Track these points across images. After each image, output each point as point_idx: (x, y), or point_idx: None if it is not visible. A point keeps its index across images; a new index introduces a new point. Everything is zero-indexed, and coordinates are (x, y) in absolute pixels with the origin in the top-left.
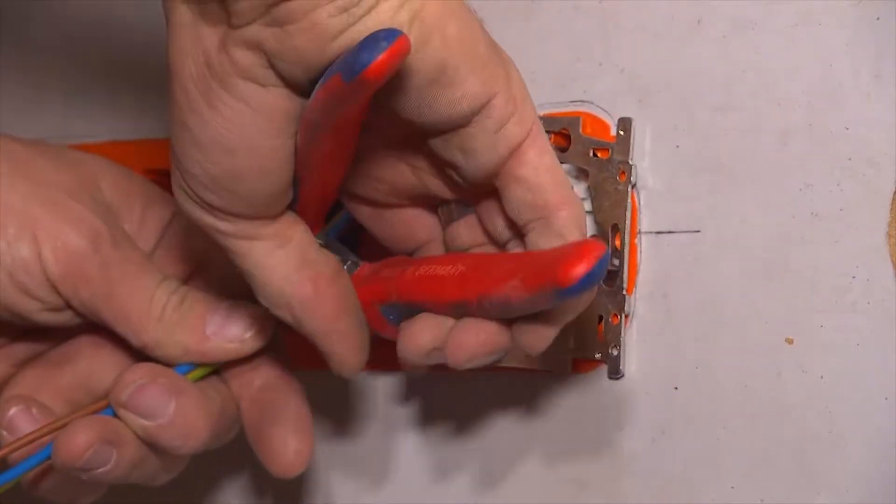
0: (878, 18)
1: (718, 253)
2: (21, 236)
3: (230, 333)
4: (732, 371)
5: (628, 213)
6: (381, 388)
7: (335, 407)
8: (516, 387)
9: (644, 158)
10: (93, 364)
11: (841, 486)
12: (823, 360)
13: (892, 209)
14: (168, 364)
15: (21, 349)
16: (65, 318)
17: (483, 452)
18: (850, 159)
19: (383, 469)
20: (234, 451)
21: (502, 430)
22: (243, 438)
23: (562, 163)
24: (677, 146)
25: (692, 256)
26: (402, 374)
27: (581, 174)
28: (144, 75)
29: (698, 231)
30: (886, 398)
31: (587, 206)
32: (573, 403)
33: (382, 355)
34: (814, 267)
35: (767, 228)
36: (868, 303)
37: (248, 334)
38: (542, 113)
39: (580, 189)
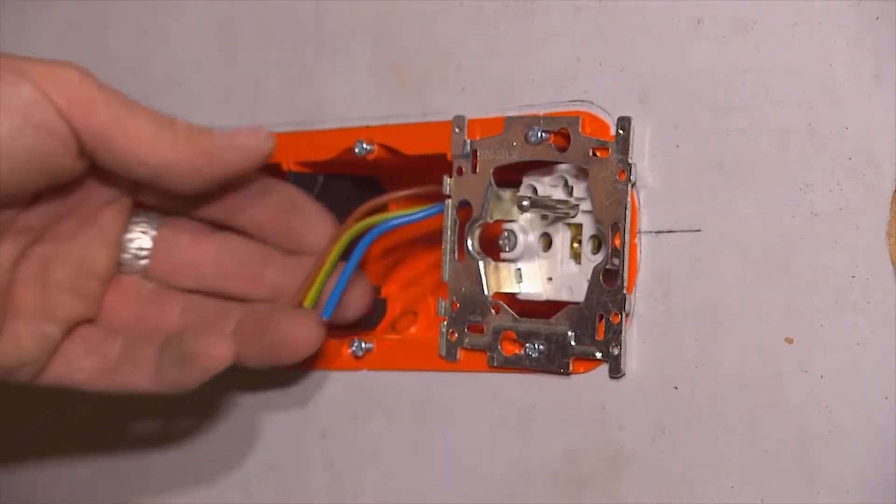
0: (877, 18)
1: (718, 252)
2: (19, 82)
3: (241, 138)
4: (732, 371)
5: (628, 212)
6: (380, 386)
7: (333, 406)
8: (516, 386)
9: (644, 158)
10: (88, 241)
11: (841, 486)
12: (823, 359)
13: (892, 209)
14: (187, 181)
15: (30, 219)
16: (80, 165)
17: (482, 451)
18: (849, 159)
19: (383, 468)
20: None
21: (502, 429)
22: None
23: (561, 162)
24: (677, 146)
25: (692, 256)
26: (402, 372)
27: (581, 173)
28: (146, 74)
29: (698, 231)
30: (886, 398)
31: (587, 205)
32: (573, 403)
33: (386, 354)
34: (814, 267)
35: (767, 228)
36: (868, 303)
37: (261, 135)
38: (542, 113)
39: (580, 189)
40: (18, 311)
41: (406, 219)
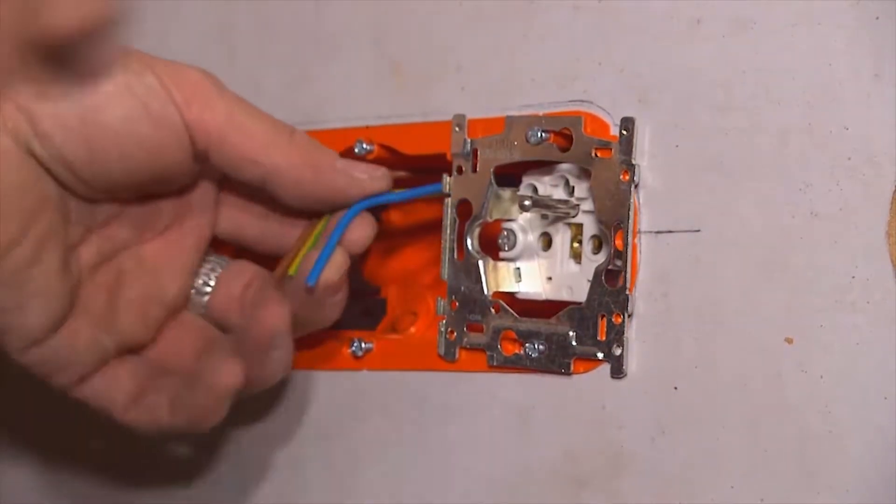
0: (877, 18)
1: (718, 252)
2: (144, 71)
3: (358, 170)
4: (732, 371)
5: (631, 213)
6: (380, 386)
7: (333, 406)
8: (516, 385)
9: (644, 158)
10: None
11: (841, 486)
12: (823, 359)
13: (891, 209)
14: (292, 189)
15: (119, 230)
16: (188, 167)
17: (482, 451)
18: (849, 159)
19: (383, 468)
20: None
21: (502, 429)
22: (233, 442)
23: (563, 162)
24: (677, 146)
25: (692, 256)
26: (402, 372)
27: (583, 174)
28: None
29: (698, 231)
30: (886, 398)
31: (588, 205)
32: (573, 403)
33: (386, 354)
34: (813, 266)
35: (767, 228)
36: (868, 303)
37: (378, 172)
38: (542, 113)
39: (582, 188)
40: (83, 312)
41: (396, 196)
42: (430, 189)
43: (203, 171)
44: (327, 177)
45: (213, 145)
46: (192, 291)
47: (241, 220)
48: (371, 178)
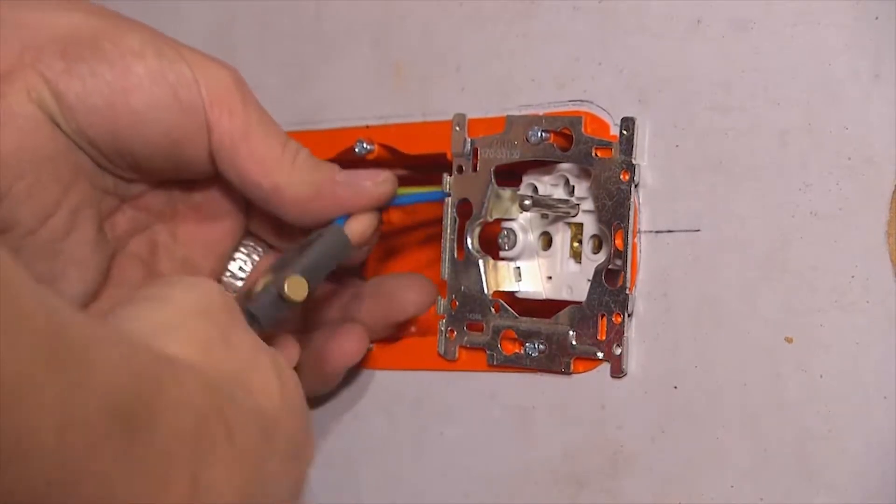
0: (876, 18)
1: (718, 252)
2: (177, 59)
3: (360, 178)
4: (732, 370)
5: (631, 213)
6: (380, 385)
7: (333, 406)
8: (517, 385)
9: (643, 158)
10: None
11: (841, 486)
12: (823, 359)
13: (891, 209)
14: (294, 209)
15: (153, 200)
16: (205, 165)
17: (482, 451)
18: (849, 159)
19: (383, 467)
20: None
21: (501, 428)
22: None
23: (563, 162)
24: (676, 146)
25: (691, 256)
26: (402, 372)
27: (583, 174)
28: None
29: (698, 230)
30: (886, 397)
31: (588, 205)
32: (573, 402)
33: (386, 354)
34: (813, 266)
35: (767, 228)
36: (868, 302)
37: (381, 177)
38: (542, 112)
39: (582, 188)
40: (121, 283)
41: (399, 200)
42: (428, 196)
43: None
44: (328, 192)
45: (223, 153)
46: (227, 275)
47: (270, 220)
48: (375, 184)
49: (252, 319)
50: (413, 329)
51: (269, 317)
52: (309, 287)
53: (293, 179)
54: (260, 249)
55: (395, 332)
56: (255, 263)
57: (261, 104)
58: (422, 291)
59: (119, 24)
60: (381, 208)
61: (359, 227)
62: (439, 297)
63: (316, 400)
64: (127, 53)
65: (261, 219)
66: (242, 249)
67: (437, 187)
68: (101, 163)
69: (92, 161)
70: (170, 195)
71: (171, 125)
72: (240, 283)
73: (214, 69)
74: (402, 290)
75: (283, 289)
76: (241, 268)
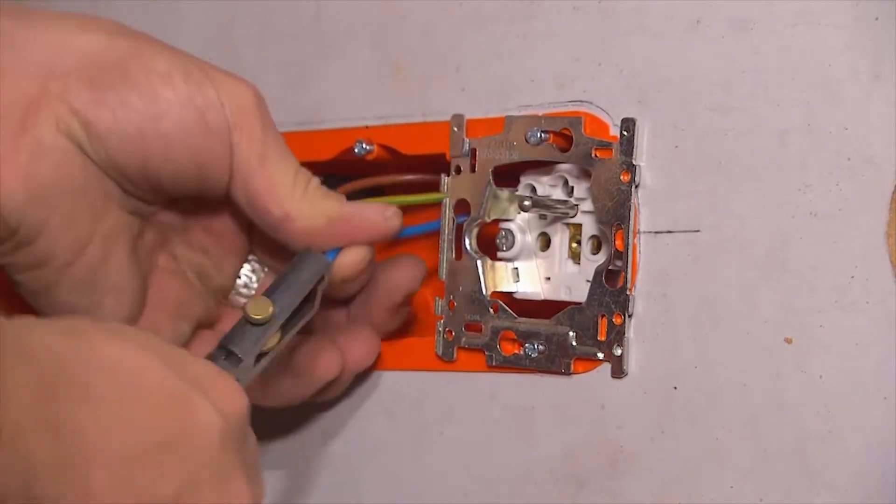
0: (876, 18)
1: (717, 253)
2: (204, 81)
3: (369, 212)
4: (731, 371)
5: (631, 213)
6: (380, 385)
7: (333, 406)
8: (517, 386)
9: (643, 158)
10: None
11: (840, 486)
12: (822, 359)
13: (891, 209)
14: (303, 238)
15: (167, 217)
16: (224, 185)
17: (482, 451)
18: (849, 159)
19: (382, 467)
20: None
21: (501, 428)
22: None
23: (563, 163)
24: (676, 146)
25: (691, 256)
26: (402, 372)
27: (582, 174)
28: None
29: (697, 231)
30: (886, 398)
31: (587, 205)
32: (572, 403)
33: (386, 354)
34: (813, 267)
35: (766, 228)
36: (867, 303)
37: (389, 212)
38: (542, 113)
39: (581, 189)
40: (161, 303)
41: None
42: (429, 227)
43: None
44: (339, 224)
45: (237, 177)
46: (233, 292)
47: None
48: (385, 219)
49: (227, 354)
50: (413, 329)
51: (240, 346)
52: (274, 307)
53: (304, 209)
54: (265, 266)
55: (399, 319)
56: (259, 280)
57: (276, 127)
58: (407, 268)
59: (143, 46)
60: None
61: (353, 258)
62: (437, 298)
63: (316, 401)
64: (154, 77)
65: (261, 240)
66: (247, 266)
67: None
68: (127, 188)
69: (119, 186)
70: (181, 210)
71: (200, 149)
72: (244, 300)
73: (239, 89)
74: (389, 273)
75: (245, 309)
76: (246, 284)
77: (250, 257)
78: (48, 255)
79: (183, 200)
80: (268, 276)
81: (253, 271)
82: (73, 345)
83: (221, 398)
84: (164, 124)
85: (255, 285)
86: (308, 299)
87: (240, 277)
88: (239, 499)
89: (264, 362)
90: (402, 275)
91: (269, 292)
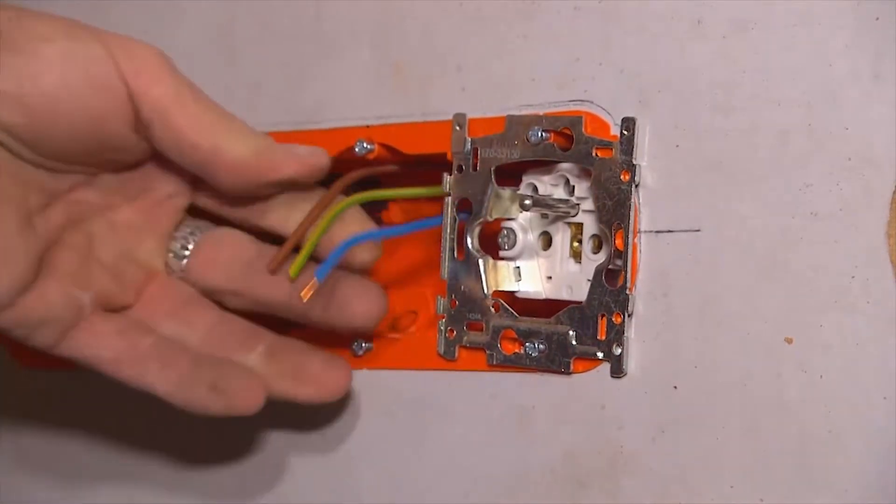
0: (877, 19)
1: (718, 252)
2: (90, 40)
3: (296, 147)
4: (732, 370)
5: (631, 213)
6: (380, 385)
7: (333, 405)
8: (517, 385)
9: (643, 158)
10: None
11: (841, 486)
12: (823, 359)
13: (891, 209)
14: (231, 172)
15: (87, 194)
16: (134, 140)
17: (482, 451)
18: (849, 159)
19: (382, 467)
20: (231, 453)
21: (501, 428)
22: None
23: (563, 162)
24: (677, 146)
25: (691, 256)
26: (402, 371)
27: (583, 173)
28: None
29: (698, 230)
30: (886, 398)
31: (588, 205)
32: (572, 402)
33: (386, 353)
34: (813, 267)
35: (767, 228)
36: (868, 303)
37: (318, 150)
38: (542, 112)
39: (582, 188)
40: (53, 272)
41: (393, 231)
42: (427, 223)
43: (146, 152)
44: (266, 155)
45: (156, 121)
46: (170, 255)
47: (217, 195)
48: (310, 152)
49: None
50: (413, 329)
51: None
52: None
53: (232, 140)
54: (202, 227)
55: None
56: (197, 242)
57: (192, 81)
58: (371, 303)
59: (29, 15)
60: (375, 209)
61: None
62: (439, 297)
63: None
64: (34, 38)
65: (206, 192)
66: (188, 227)
67: (438, 215)
68: (23, 153)
69: (12, 154)
70: (104, 188)
71: (87, 104)
72: (183, 262)
73: (135, 45)
74: (351, 300)
75: None
76: (182, 246)
77: (188, 221)
78: None
79: (106, 179)
80: (208, 235)
81: (191, 233)
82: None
83: None
84: (45, 81)
85: (191, 247)
86: None
87: (174, 240)
88: None
89: None
90: (363, 309)
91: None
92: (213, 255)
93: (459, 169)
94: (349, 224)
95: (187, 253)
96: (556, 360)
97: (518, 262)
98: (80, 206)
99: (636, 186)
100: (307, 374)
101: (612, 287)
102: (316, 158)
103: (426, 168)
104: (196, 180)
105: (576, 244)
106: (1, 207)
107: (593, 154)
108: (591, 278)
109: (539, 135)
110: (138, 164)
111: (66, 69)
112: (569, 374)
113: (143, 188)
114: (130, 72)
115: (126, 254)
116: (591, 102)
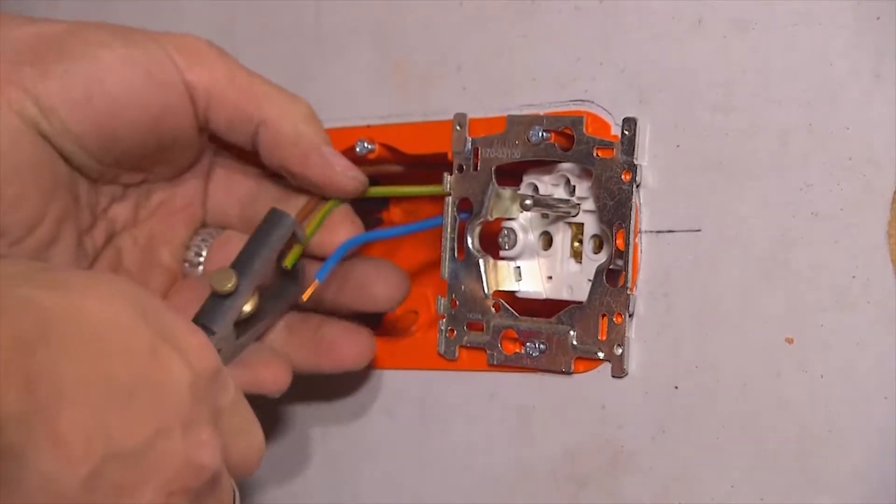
0: (878, 18)
1: (718, 252)
2: (146, 41)
3: (337, 161)
4: (732, 370)
5: (632, 213)
6: (381, 385)
7: (334, 405)
8: (517, 385)
9: (644, 157)
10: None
11: (841, 486)
12: (823, 359)
13: (892, 209)
14: (275, 148)
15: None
16: (193, 131)
17: (482, 450)
18: (850, 159)
19: (383, 467)
20: None
21: (502, 427)
22: None
23: (564, 162)
24: (677, 145)
25: (692, 256)
26: (402, 371)
27: (583, 173)
28: None
29: (698, 230)
30: (886, 398)
31: (589, 205)
32: (573, 402)
33: (387, 353)
34: (814, 266)
35: (767, 228)
36: (868, 302)
37: (353, 171)
38: (543, 112)
39: (583, 188)
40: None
41: (391, 232)
42: (427, 224)
43: (198, 150)
44: (307, 147)
45: (213, 103)
46: (185, 265)
47: (228, 203)
48: (344, 172)
49: (202, 327)
50: (414, 329)
51: (210, 318)
52: (238, 278)
53: (284, 111)
54: (213, 233)
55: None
56: (209, 246)
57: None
58: (393, 285)
59: (83, 25)
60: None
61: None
62: (440, 297)
63: (316, 400)
64: (93, 45)
65: (218, 205)
66: (197, 236)
67: (438, 215)
68: (86, 163)
69: (72, 168)
70: (133, 202)
71: (149, 102)
72: (199, 269)
73: (186, 38)
74: (373, 283)
75: (210, 283)
76: (196, 253)
77: (200, 230)
78: (1, 229)
79: (134, 192)
80: (219, 238)
81: (204, 240)
82: (58, 301)
83: (191, 353)
84: (109, 83)
85: (205, 253)
86: (291, 276)
87: (188, 249)
88: (203, 448)
89: (252, 330)
90: (385, 292)
91: (234, 262)
92: (225, 255)
93: (460, 169)
94: (338, 223)
95: (202, 259)
96: (557, 360)
97: (518, 262)
98: (114, 224)
99: (637, 186)
100: (328, 343)
101: (612, 287)
102: (344, 182)
103: (427, 168)
104: (209, 192)
105: (576, 244)
106: (64, 224)
107: (594, 154)
108: (591, 278)
109: (540, 135)
110: (190, 167)
111: (127, 71)
112: (569, 374)
113: (164, 200)
114: (185, 64)
115: (147, 264)
116: (592, 102)
